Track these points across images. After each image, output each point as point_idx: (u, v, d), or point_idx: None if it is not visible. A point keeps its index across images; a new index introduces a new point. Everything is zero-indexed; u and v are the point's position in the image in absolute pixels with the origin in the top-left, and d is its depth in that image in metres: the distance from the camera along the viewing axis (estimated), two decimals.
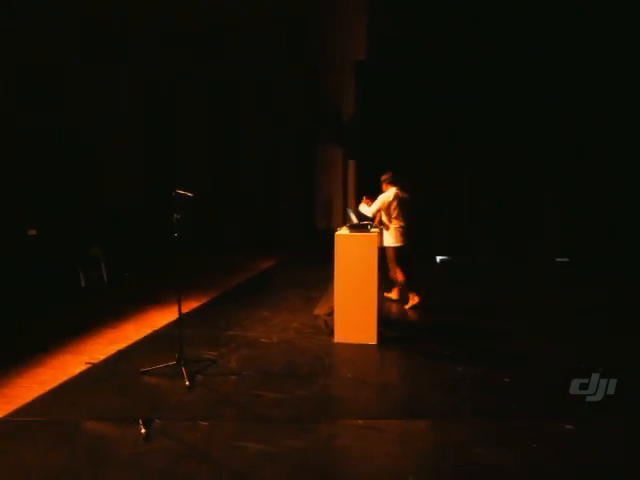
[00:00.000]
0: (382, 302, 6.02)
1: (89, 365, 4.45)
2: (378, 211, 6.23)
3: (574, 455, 3.01)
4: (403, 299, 6.63)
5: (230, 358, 4.64)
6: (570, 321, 6.03)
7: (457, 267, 10.46)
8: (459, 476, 2.84)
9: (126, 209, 8.93)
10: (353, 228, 5.24)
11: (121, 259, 8.26)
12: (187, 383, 4.00)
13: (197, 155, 10.72)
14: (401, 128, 10.68)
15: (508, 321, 5.99)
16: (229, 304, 6.71)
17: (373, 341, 5.03)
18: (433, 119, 10.54)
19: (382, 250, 6.05)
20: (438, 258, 11.37)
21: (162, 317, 5.96)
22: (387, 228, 6.25)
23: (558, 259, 10.52)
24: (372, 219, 5.90)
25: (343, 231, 5.25)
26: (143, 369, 4.27)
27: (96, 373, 4.30)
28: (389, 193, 6.23)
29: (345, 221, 5.79)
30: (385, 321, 5.68)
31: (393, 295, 6.81)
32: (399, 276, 6.38)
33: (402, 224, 6.21)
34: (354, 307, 5.04)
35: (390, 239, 6.27)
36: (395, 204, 6.18)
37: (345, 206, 9.78)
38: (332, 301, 5.18)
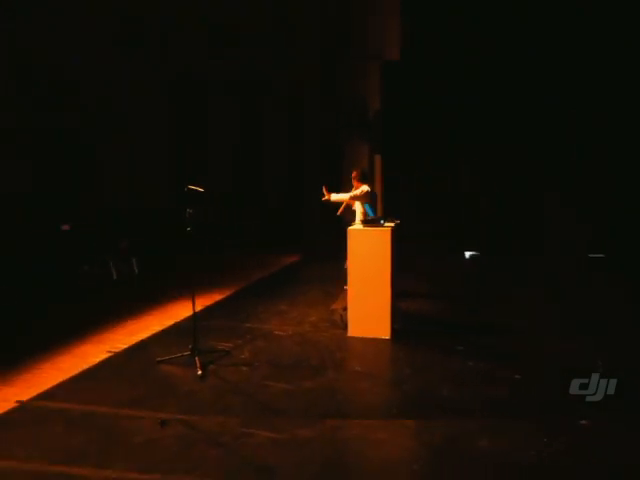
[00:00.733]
0: (397, 296, 6.00)
1: (110, 354, 4.66)
2: (355, 198, 6.30)
3: (586, 451, 2.96)
4: None
5: (244, 349, 4.75)
6: (592, 320, 5.85)
7: (485, 263, 10.28)
8: (467, 470, 2.84)
9: (154, 207, 9.22)
10: (366, 223, 5.25)
11: (149, 254, 8.55)
12: (199, 372, 4.14)
13: (221, 154, 10.93)
14: (425, 124, 10.60)
15: (526, 318, 5.87)
16: (250, 297, 6.85)
17: (387, 335, 5.04)
18: (449, 117, 10.45)
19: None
20: (467, 254, 11.20)
21: (184, 309, 6.14)
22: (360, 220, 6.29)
23: (591, 255, 10.19)
24: (380, 219, 5.83)
25: (357, 226, 5.27)
26: (159, 358, 4.44)
27: (115, 361, 4.50)
28: (366, 187, 6.36)
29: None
30: (400, 316, 5.67)
31: None
32: None
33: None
34: (368, 301, 5.06)
35: None
36: (370, 199, 6.36)
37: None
38: None
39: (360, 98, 10.75)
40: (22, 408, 3.59)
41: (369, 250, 5.06)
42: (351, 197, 6.30)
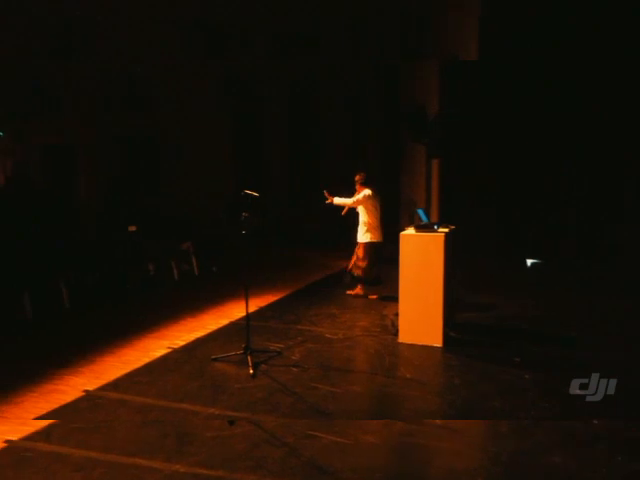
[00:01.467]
0: (451, 304, 5.88)
1: (169, 349, 4.91)
2: (357, 203, 6.53)
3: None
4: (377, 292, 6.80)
5: (295, 351, 4.84)
6: None
7: (549, 271, 9.81)
8: None
9: (215, 210, 9.59)
10: (419, 228, 5.20)
11: (209, 254, 8.88)
12: (251, 371, 4.27)
13: (277, 157, 11.16)
14: (487, 126, 10.28)
15: (590, 329, 5.55)
16: (303, 299, 6.94)
17: (438, 343, 4.95)
18: (520, 117, 10.02)
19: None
20: (529, 261, 10.75)
21: (239, 309, 6.33)
22: (365, 224, 6.59)
23: None
24: (434, 224, 5.77)
25: (409, 231, 5.23)
26: (214, 356, 4.62)
27: (174, 357, 4.74)
28: (368, 191, 6.56)
29: (413, 221, 5.74)
30: (454, 323, 5.56)
31: (358, 290, 6.91)
32: (358, 271, 6.66)
33: (378, 222, 6.63)
34: (419, 307, 5.00)
35: (368, 235, 6.58)
36: (374, 202, 6.57)
37: (416, 206, 9.63)
38: None
39: (419, 100, 10.62)
40: (88, 397, 3.87)
41: (422, 256, 5.00)
42: (354, 202, 6.56)
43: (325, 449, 3.13)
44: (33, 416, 3.55)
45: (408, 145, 11.37)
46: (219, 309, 6.40)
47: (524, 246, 10.54)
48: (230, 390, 3.98)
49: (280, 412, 3.59)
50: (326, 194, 6.68)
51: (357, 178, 6.70)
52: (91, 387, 4.02)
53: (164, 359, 4.67)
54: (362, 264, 6.63)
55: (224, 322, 5.85)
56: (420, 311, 4.99)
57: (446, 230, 5.24)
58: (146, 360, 4.61)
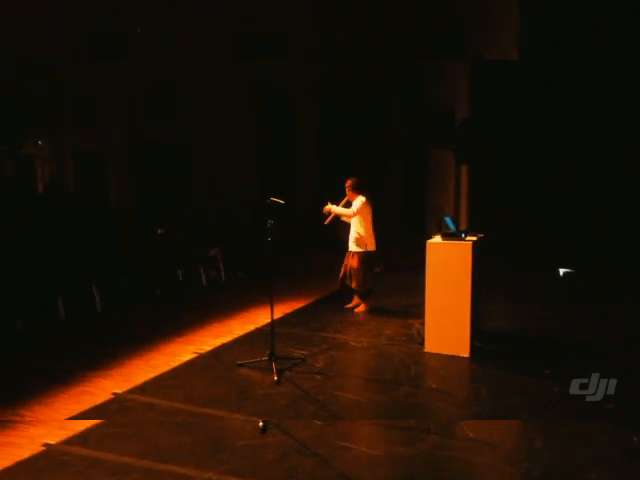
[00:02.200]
0: (479, 313, 5.77)
1: (196, 354, 4.97)
2: (358, 212, 6.20)
3: None
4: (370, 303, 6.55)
5: (319, 358, 4.84)
6: None
7: (582, 282, 9.53)
8: None
9: (243, 216, 9.70)
10: (447, 236, 5.13)
11: (236, 260, 8.98)
12: (275, 378, 4.29)
13: (303, 164, 11.22)
14: (519, 130, 10.06)
15: (627, 343, 5.36)
16: (329, 306, 6.92)
17: (465, 353, 4.87)
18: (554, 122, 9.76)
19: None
20: (561, 271, 10.46)
21: (265, 315, 6.36)
22: (360, 232, 6.27)
23: None
24: (462, 232, 5.57)
25: (436, 239, 5.17)
26: (239, 362, 4.66)
27: (200, 362, 4.80)
28: (363, 199, 6.25)
29: (440, 229, 5.66)
30: (481, 333, 5.45)
31: (355, 304, 6.62)
32: (353, 283, 6.32)
33: (372, 230, 6.33)
34: (446, 317, 4.93)
35: (361, 244, 6.27)
36: (369, 209, 6.30)
37: (443, 213, 9.49)
38: None
39: (446, 104, 10.50)
40: (117, 400, 3.95)
41: (449, 264, 4.93)
42: (355, 213, 6.18)
43: (356, 460, 3.11)
44: (64, 417, 3.65)
45: (435, 150, 11.26)
46: (245, 315, 6.46)
47: (555, 255, 10.28)
48: (254, 396, 4.00)
49: (304, 420, 3.59)
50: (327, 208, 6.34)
51: (349, 183, 6.32)
52: (119, 390, 4.11)
53: (190, 364, 4.74)
54: (357, 275, 6.26)
55: (250, 328, 5.89)
56: (447, 320, 4.92)
57: (474, 238, 5.16)
58: (173, 364, 4.68)
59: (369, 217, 6.33)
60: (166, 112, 9.43)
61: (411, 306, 6.84)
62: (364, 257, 6.28)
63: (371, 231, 6.35)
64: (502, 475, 2.99)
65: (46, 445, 3.28)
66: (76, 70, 8.58)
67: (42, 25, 7.90)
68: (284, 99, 11.11)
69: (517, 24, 9.97)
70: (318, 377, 4.37)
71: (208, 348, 5.17)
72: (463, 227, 8.17)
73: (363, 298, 6.51)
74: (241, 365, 4.62)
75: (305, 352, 5.00)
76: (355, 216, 6.25)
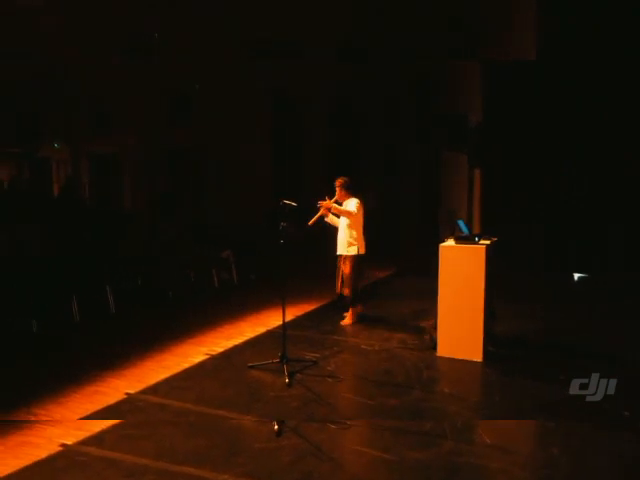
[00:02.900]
0: (492, 317, 5.71)
1: (207, 356, 4.99)
2: (358, 213, 5.89)
3: None
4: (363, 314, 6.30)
5: (330, 361, 4.83)
6: None
7: (597, 286, 9.39)
8: None
9: (256, 219, 9.74)
10: (460, 240, 5.09)
11: (248, 263, 9.00)
12: (286, 380, 4.28)
13: (315, 167, 11.23)
14: (534, 133, 9.96)
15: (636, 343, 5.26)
16: (339, 309, 6.88)
17: (478, 358, 4.82)
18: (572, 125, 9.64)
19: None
20: (576, 275, 10.33)
21: (277, 317, 6.37)
22: (352, 235, 5.93)
23: None
24: (475, 236, 5.38)
25: (449, 243, 5.13)
26: (250, 364, 4.66)
27: (212, 363, 4.81)
28: (357, 200, 5.92)
29: (454, 232, 5.60)
30: (495, 338, 5.39)
31: (348, 319, 6.19)
32: (347, 290, 6.01)
33: (362, 232, 6.03)
34: (459, 321, 4.89)
35: (355, 247, 5.94)
36: (362, 212, 5.99)
37: (457, 216, 9.40)
38: None
39: (460, 107, 10.43)
40: (130, 400, 3.98)
41: (462, 268, 4.89)
42: (355, 213, 5.83)
43: (370, 465, 3.10)
44: (78, 416, 3.68)
45: (448, 153, 11.19)
46: (256, 317, 6.47)
47: (569, 259, 10.15)
48: (265, 398, 4.00)
49: (318, 423, 3.58)
50: (327, 200, 5.89)
51: (340, 182, 5.96)
52: (132, 390, 4.14)
53: (202, 365, 4.75)
54: (348, 280, 5.97)
55: (261, 330, 5.90)
56: (459, 324, 4.88)
57: (487, 242, 5.12)
58: (185, 366, 4.70)
59: (362, 220, 6.03)
60: (182, 114, 9.51)
61: (423, 310, 6.78)
62: (356, 260, 5.99)
63: (362, 234, 6.04)
64: None
65: (63, 445, 3.31)
66: (92, 72, 8.68)
67: (59, 28, 8.01)
68: (299, 101, 11.14)
69: (533, 24, 9.84)
70: (329, 380, 4.36)
71: (219, 350, 5.19)
72: (476, 231, 8.11)
73: (353, 304, 6.17)
74: (252, 367, 4.63)
75: (316, 355, 4.99)
76: (353, 217, 5.90)
